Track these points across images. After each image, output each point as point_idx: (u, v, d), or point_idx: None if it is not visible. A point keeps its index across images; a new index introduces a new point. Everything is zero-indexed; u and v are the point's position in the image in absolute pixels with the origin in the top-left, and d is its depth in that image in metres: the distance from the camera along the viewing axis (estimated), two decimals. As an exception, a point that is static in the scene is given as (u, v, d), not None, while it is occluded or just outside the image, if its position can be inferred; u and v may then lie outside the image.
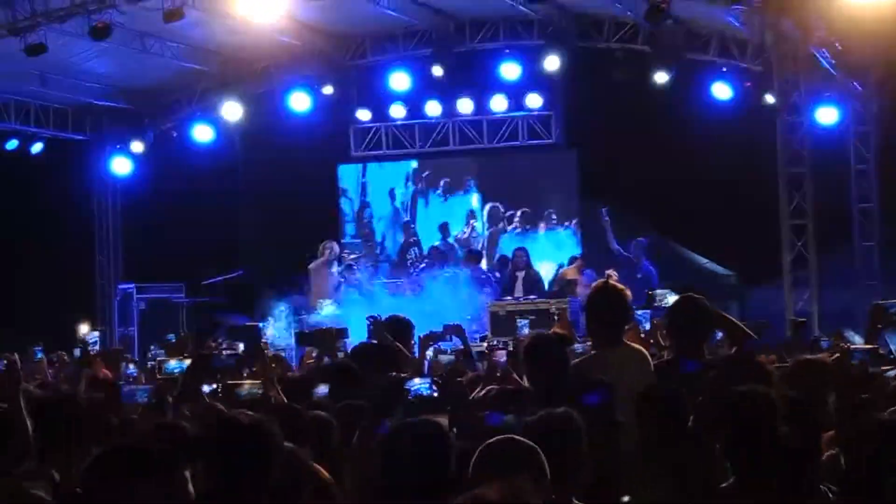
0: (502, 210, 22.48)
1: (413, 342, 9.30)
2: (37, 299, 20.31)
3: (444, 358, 11.33)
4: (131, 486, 3.36)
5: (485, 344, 11.43)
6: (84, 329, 14.57)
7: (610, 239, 19.15)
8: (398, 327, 9.28)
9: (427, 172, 22.82)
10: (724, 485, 5.05)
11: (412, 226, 22.91)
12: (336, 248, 19.80)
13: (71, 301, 20.73)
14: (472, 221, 22.35)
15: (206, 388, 7.95)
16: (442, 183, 22.77)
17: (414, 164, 22.90)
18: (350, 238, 22.83)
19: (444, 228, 22.54)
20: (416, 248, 22.75)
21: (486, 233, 22.44)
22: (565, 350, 7.02)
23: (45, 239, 20.79)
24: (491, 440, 4.29)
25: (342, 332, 10.32)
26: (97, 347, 13.31)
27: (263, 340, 8.57)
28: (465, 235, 22.13)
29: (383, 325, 9.17)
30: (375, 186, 23.11)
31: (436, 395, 5.91)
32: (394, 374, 5.87)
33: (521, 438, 4.24)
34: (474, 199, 22.59)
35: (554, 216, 22.23)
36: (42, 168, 20.93)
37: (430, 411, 5.22)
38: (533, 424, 4.69)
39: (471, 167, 22.67)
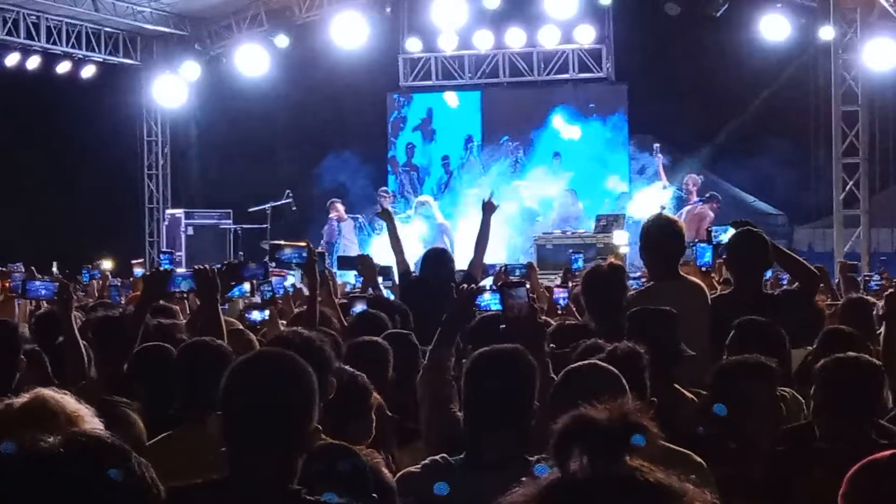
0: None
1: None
2: (85, 224, 20.41)
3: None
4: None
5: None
6: (106, 265, 14.65)
7: (662, 175, 19.10)
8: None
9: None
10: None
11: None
12: (339, 207, 19.93)
13: (119, 226, 20.86)
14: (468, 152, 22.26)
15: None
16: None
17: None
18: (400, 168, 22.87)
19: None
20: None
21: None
22: (624, 281, 7.01)
23: (93, 164, 20.85)
24: (575, 365, 4.28)
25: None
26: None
27: (328, 268, 8.56)
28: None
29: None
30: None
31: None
32: (464, 286, 5.74)
33: (604, 364, 4.20)
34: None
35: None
36: (92, 92, 20.96)
37: (497, 327, 5.15)
38: (604, 360, 4.64)
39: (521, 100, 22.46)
